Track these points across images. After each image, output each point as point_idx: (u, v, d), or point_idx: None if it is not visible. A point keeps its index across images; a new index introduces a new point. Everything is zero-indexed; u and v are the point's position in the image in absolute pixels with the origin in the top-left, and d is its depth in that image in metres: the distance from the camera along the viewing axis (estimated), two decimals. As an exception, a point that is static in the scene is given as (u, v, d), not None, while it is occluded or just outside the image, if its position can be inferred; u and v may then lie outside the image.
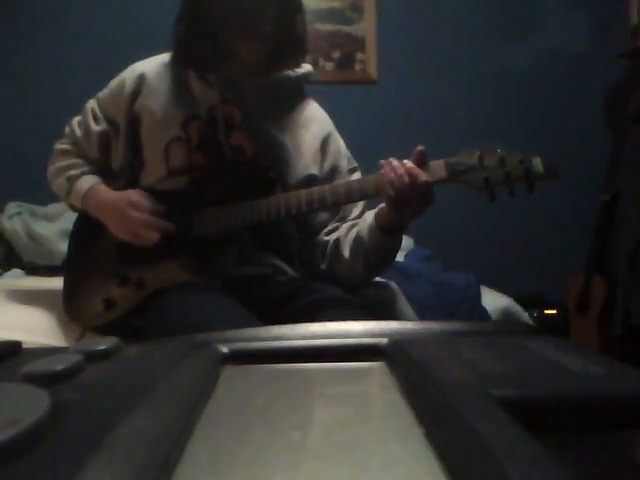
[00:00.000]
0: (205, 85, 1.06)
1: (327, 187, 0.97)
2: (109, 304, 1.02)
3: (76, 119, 1.16)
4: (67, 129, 1.17)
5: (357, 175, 1.14)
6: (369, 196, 0.97)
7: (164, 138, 1.05)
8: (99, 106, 1.13)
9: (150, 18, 2.17)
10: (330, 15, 2.43)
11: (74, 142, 1.14)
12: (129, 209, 1.01)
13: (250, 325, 0.83)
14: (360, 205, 1.13)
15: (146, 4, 2.29)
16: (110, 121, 1.11)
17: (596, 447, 0.20)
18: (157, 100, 1.07)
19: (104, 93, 1.13)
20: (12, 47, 2.31)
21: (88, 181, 1.09)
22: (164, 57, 1.11)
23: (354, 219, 1.11)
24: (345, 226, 1.10)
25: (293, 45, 1.05)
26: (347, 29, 2.45)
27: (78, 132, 1.13)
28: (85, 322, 1.06)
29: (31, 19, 2.32)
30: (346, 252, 1.05)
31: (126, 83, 1.09)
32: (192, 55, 1.04)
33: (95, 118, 1.12)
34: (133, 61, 1.14)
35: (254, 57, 1.03)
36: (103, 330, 1.02)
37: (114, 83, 1.12)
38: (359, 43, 2.46)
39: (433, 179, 0.88)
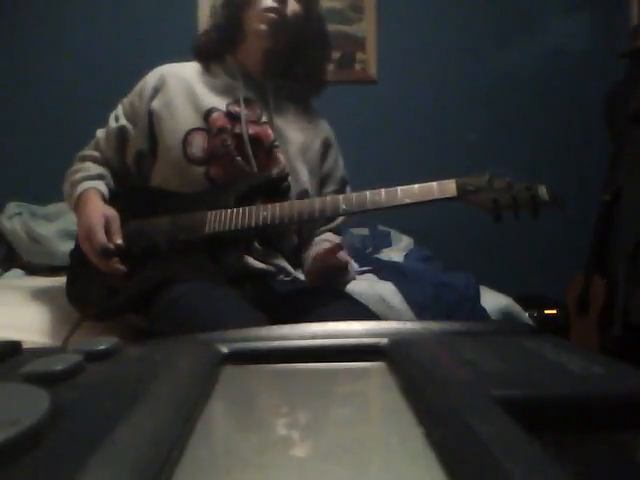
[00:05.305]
0: (227, 80, 1.12)
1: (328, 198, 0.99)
2: (112, 291, 1.02)
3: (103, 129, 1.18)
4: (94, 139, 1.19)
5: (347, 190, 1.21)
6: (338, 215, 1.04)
7: (184, 129, 1.07)
8: (123, 109, 1.15)
9: (155, 29, 2.17)
10: (330, 15, 2.42)
11: (97, 147, 1.16)
12: (97, 228, 0.97)
13: (259, 325, 0.82)
14: None
15: (152, 13, 2.29)
16: (130, 119, 1.13)
17: (596, 447, 0.20)
18: (178, 95, 1.09)
19: (128, 97, 1.16)
20: (12, 47, 2.32)
21: (83, 187, 1.07)
22: (186, 62, 1.16)
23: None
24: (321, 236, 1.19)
25: (306, 74, 1.17)
26: (347, 29, 2.45)
27: (101, 136, 1.16)
28: (86, 308, 1.05)
29: (33, 20, 2.32)
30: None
31: (148, 80, 1.13)
32: (210, 40, 1.14)
33: (116, 118, 1.15)
34: (134, 66, 1.17)
35: (261, 50, 1.11)
36: (102, 319, 1.02)
37: (137, 84, 1.15)
38: (359, 43, 2.46)
39: (444, 196, 0.91)
